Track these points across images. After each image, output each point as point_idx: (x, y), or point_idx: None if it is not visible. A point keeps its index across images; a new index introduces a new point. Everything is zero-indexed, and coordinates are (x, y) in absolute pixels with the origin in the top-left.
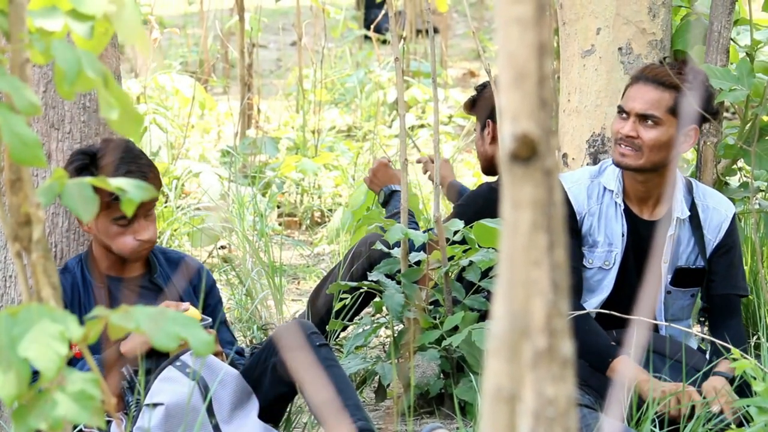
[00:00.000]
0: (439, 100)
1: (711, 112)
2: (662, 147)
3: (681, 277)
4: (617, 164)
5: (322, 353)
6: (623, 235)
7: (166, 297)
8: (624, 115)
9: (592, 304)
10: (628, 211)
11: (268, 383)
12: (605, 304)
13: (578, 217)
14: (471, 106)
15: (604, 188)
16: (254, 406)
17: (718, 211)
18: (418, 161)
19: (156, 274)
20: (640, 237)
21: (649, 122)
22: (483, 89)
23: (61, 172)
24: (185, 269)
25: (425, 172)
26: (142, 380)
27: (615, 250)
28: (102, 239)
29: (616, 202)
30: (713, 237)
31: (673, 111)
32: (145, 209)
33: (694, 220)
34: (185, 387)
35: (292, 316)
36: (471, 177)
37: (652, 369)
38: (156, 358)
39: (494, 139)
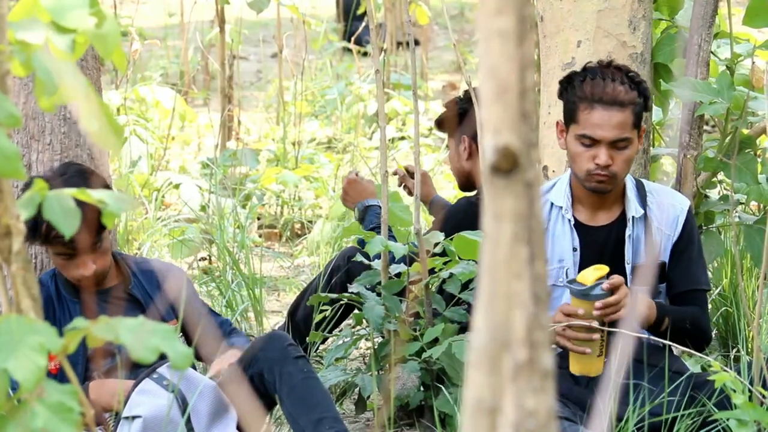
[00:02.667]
0: (420, 113)
1: (648, 99)
2: (631, 162)
3: (640, 275)
4: (594, 191)
5: (299, 365)
6: (575, 250)
7: (143, 308)
8: (588, 142)
9: None
10: (578, 225)
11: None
12: None
13: None
14: (442, 123)
15: (552, 204)
16: (232, 418)
17: (673, 206)
18: (394, 173)
19: (131, 285)
20: (596, 245)
21: (621, 145)
22: (455, 105)
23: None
24: (163, 278)
25: (400, 185)
26: (121, 394)
27: (566, 266)
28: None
29: (565, 218)
30: (671, 231)
31: (635, 125)
32: (85, 246)
33: (647, 218)
34: (163, 399)
35: (272, 328)
36: (452, 189)
37: (633, 375)
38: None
39: (471, 155)
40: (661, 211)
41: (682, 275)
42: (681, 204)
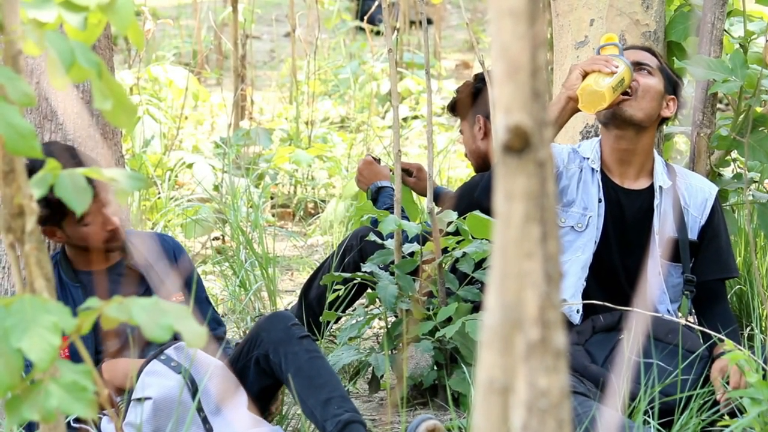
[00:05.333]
0: (433, 92)
1: (678, 87)
2: (654, 97)
3: (670, 250)
4: (613, 114)
5: (304, 345)
6: (600, 201)
7: (145, 280)
8: None
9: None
10: (606, 179)
11: (252, 376)
12: (587, 277)
13: (556, 171)
14: (455, 107)
15: (582, 157)
16: (242, 397)
17: (702, 189)
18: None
19: (132, 259)
20: (620, 205)
21: (644, 71)
22: (468, 87)
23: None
24: (158, 246)
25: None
26: (134, 372)
27: (589, 214)
28: (77, 242)
29: (592, 168)
30: (699, 214)
31: (661, 69)
32: (98, 204)
33: (675, 192)
34: (171, 380)
35: (286, 307)
36: (465, 169)
37: (644, 354)
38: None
39: (486, 135)
40: (689, 192)
41: (713, 264)
42: (709, 189)
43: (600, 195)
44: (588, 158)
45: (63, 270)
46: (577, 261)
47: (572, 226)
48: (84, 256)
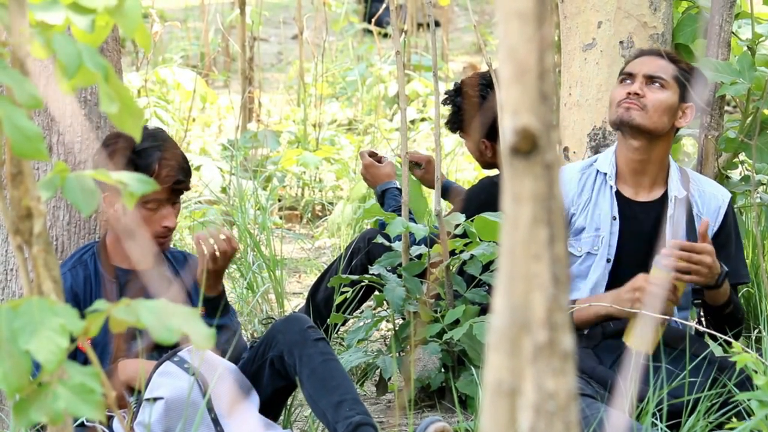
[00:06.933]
0: (440, 94)
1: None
2: (666, 111)
3: None
4: (620, 121)
5: (319, 347)
6: (615, 219)
7: (174, 288)
8: (628, 81)
9: (584, 289)
10: (620, 196)
11: (267, 378)
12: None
13: (566, 213)
14: (459, 127)
15: (597, 171)
16: (254, 400)
17: (715, 196)
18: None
19: (166, 268)
20: (635, 220)
21: (656, 85)
22: (476, 103)
23: (63, 165)
24: (190, 266)
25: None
26: (142, 375)
27: (602, 234)
28: (127, 224)
29: (608, 184)
30: (712, 221)
31: (677, 79)
32: (176, 196)
33: (688, 201)
34: (184, 381)
35: (293, 309)
36: (473, 171)
37: (653, 359)
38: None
39: (494, 155)
40: (702, 200)
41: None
42: (723, 196)
43: (614, 213)
44: (606, 173)
45: (101, 262)
46: (588, 282)
47: (588, 252)
48: (125, 251)
